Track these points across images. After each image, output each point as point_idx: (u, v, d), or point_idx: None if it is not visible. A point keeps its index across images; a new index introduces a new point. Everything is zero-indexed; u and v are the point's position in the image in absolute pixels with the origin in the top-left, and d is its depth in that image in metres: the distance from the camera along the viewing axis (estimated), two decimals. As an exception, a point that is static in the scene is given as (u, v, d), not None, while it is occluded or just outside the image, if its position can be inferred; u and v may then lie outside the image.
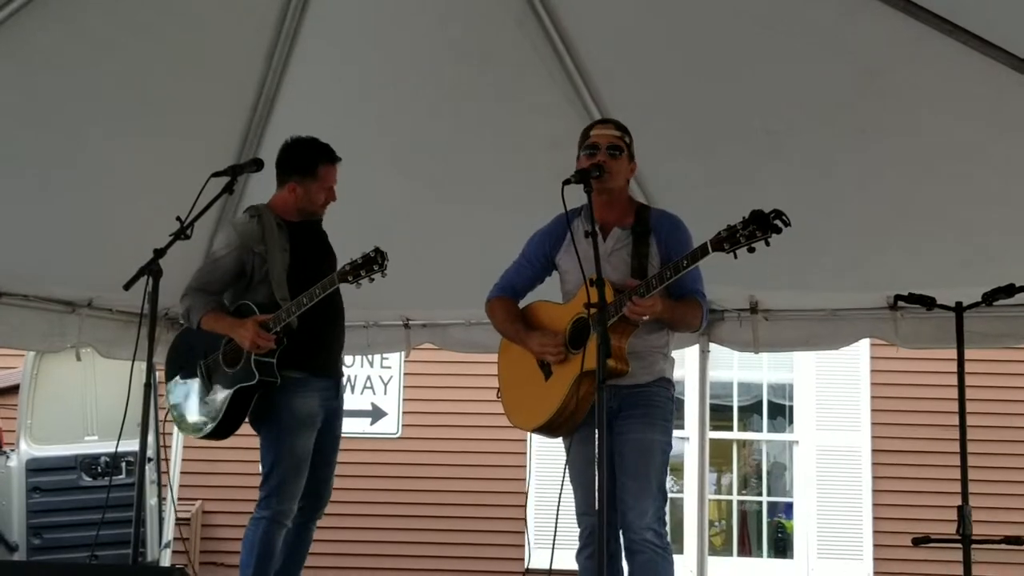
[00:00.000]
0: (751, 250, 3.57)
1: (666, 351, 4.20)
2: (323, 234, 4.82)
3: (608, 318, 3.77)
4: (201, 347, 4.76)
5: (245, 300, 4.59)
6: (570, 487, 4.10)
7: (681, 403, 8.89)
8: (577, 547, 4.08)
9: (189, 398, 4.82)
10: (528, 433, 9.27)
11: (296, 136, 4.75)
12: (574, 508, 4.09)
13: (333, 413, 4.71)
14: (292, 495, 4.53)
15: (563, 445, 4.19)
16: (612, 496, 3.92)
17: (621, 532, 3.99)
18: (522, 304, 4.44)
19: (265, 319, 4.45)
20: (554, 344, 4.07)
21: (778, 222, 3.49)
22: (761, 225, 3.51)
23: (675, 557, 4.04)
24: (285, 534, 4.60)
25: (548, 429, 4.12)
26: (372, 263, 4.31)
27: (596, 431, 3.43)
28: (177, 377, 4.91)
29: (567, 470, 4.13)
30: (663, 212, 4.27)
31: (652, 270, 4.01)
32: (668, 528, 4.08)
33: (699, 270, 4.01)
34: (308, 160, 4.65)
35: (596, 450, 3.41)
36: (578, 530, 4.07)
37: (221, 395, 4.62)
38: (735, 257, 3.61)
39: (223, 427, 4.66)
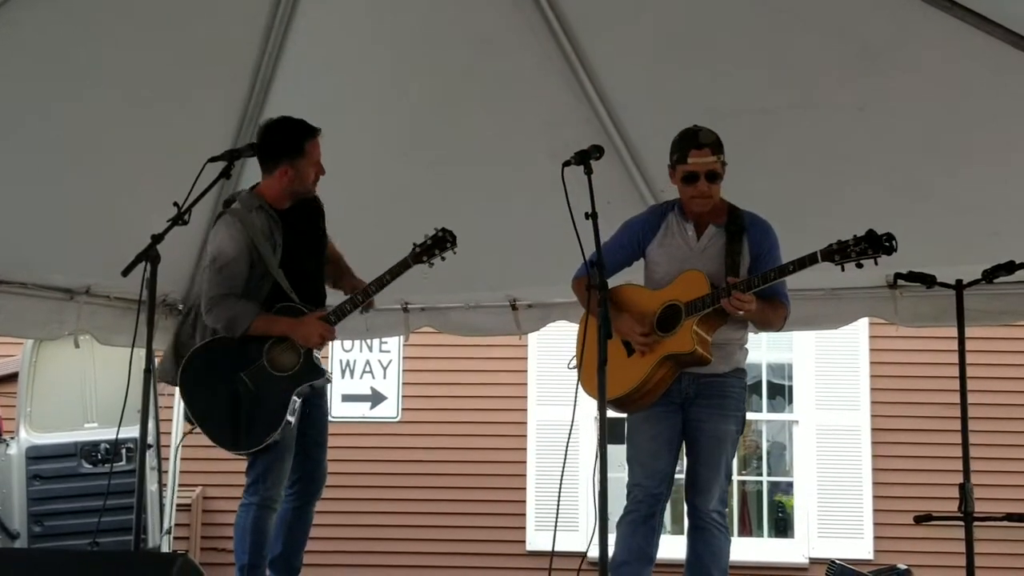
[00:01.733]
0: (859, 266, 3.87)
1: (743, 343, 4.46)
2: (315, 212, 4.74)
3: (702, 308, 4.12)
4: (227, 362, 4.55)
5: (280, 303, 4.56)
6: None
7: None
8: (620, 514, 4.37)
9: (233, 415, 4.57)
10: (527, 418, 9.39)
11: (270, 119, 4.64)
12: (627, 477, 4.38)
13: (316, 394, 4.69)
14: (278, 480, 4.56)
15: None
16: (672, 474, 4.35)
17: (688, 510, 4.36)
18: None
19: (325, 314, 4.50)
20: (642, 329, 4.27)
21: (888, 244, 3.80)
22: (874, 245, 3.82)
23: (675, 538, 4.19)
24: (284, 517, 4.63)
25: (620, 404, 4.32)
26: (443, 243, 4.40)
27: (598, 415, 3.61)
28: (205, 399, 4.64)
29: (626, 444, 4.39)
30: (754, 215, 4.44)
31: (743, 267, 4.29)
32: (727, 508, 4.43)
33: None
34: (293, 139, 4.52)
35: (598, 432, 3.50)
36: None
37: (281, 399, 4.49)
38: (842, 270, 3.90)
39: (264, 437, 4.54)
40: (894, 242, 3.79)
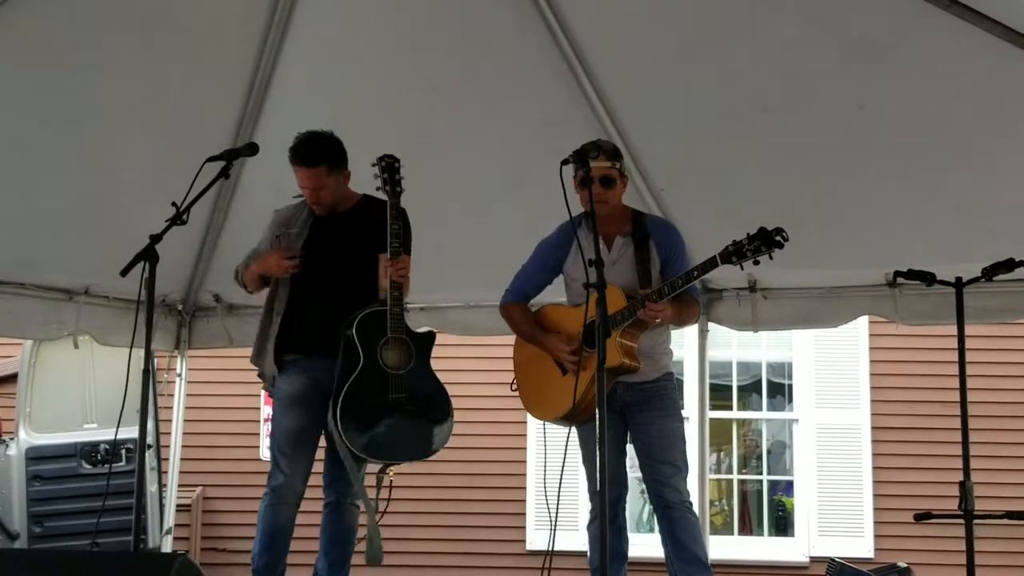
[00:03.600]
0: (756, 263, 4.05)
1: (668, 347, 4.65)
2: (346, 224, 4.72)
3: (622, 321, 4.28)
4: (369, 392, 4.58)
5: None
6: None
7: (681, 383, 8.85)
8: (587, 520, 4.58)
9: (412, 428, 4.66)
10: (528, 417, 9.37)
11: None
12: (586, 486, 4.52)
13: None
14: (281, 471, 4.58)
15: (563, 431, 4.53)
16: (624, 476, 4.59)
17: (658, 505, 4.53)
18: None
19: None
20: (570, 348, 4.46)
21: (779, 238, 3.95)
22: (765, 241, 3.97)
23: (644, 536, 4.29)
24: (325, 515, 4.70)
25: (567, 419, 4.49)
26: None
27: (598, 416, 3.59)
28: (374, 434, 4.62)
29: (582, 451, 4.52)
30: (656, 218, 4.72)
31: (654, 273, 4.48)
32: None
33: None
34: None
35: (597, 430, 3.58)
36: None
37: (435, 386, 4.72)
38: (741, 268, 4.11)
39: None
40: (784, 234, 3.94)
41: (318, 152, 4.56)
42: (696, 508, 4.62)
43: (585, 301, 3.86)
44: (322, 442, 4.67)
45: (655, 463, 4.50)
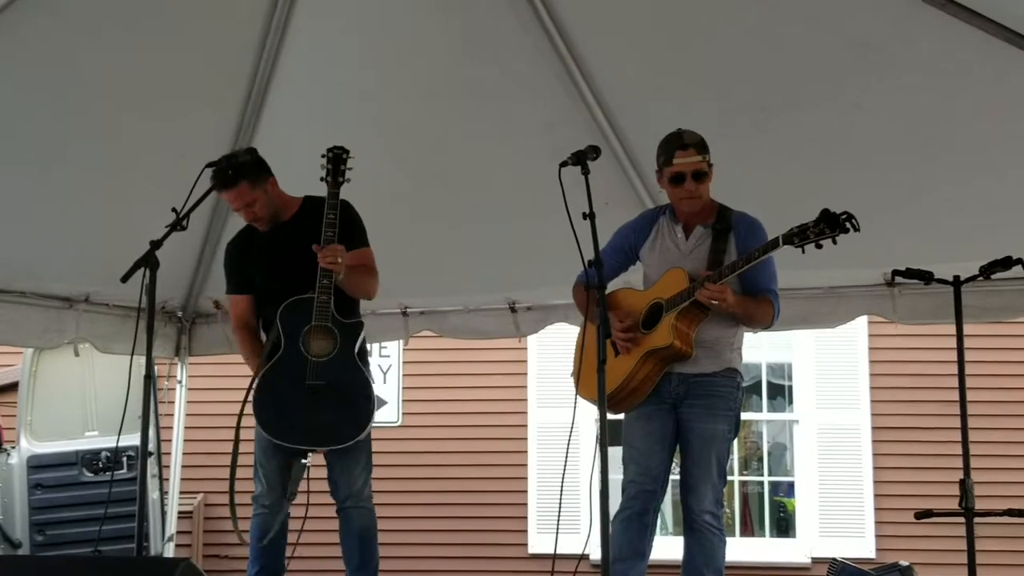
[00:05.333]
0: (819, 246, 3.87)
1: (735, 343, 4.44)
2: (292, 231, 4.66)
3: (680, 303, 4.18)
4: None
5: None
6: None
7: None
8: (614, 513, 4.36)
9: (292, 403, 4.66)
10: (528, 420, 9.38)
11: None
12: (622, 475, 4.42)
13: None
14: (259, 480, 4.62)
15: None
16: (666, 472, 4.40)
17: (683, 511, 4.37)
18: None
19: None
20: (623, 325, 4.36)
21: (848, 224, 3.79)
22: (831, 224, 3.81)
23: (675, 539, 4.39)
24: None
25: (609, 403, 4.26)
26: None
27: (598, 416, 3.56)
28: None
29: (623, 441, 4.41)
30: (743, 213, 4.46)
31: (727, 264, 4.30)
32: (724, 508, 4.45)
33: (774, 269, 4.34)
34: None
35: (598, 429, 3.60)
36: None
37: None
38: (803, 252, 3.93)
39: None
40: (854, 220, 3.80)
41: (233, 172, 4.49)
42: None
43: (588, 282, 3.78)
44: None
45: (687, 464, 4.35)
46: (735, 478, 9.83)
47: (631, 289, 4.63)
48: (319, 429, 4.49)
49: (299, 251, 4.47)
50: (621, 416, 4.49)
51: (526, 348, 9.14)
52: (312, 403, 4.45)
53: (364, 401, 4.56)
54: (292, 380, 4.47)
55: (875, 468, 9.26)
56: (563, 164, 3.92)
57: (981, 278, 5.07)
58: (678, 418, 4.36)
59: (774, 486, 9.86)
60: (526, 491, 9.36)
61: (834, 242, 3.84)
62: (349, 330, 4.54)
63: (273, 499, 4.60)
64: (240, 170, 4.49)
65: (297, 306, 4.50)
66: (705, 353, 4.29)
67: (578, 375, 4.55)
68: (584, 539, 4.33)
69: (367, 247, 4.66)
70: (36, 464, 8.31)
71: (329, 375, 4.47)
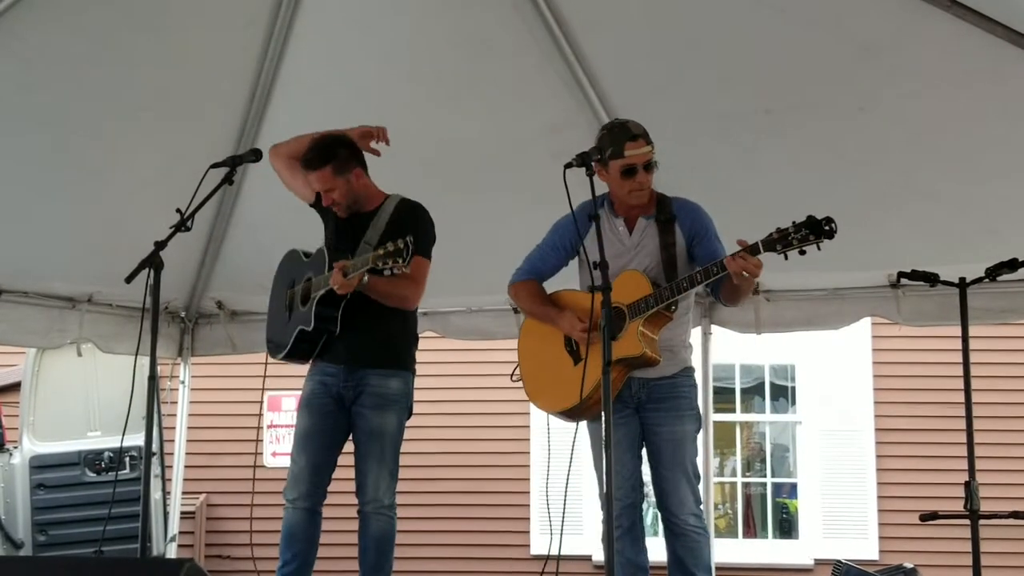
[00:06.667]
0: (802, 252, 3.72)
1: (686, 341, 4.38)
2: (365, 224, 4.65)
3: (646, 310, 4.03)
4: (295, 272, 4.71)
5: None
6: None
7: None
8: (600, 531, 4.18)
9: (274, 317, 4.81)
10: (530, 421, 9.37)
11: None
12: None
13: (357, 403, 4.57)
14: (293, 475, 4.56)
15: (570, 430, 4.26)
16: (640, 480, 4.27)
17: (662, 516, 4.25)
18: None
19: (346, 264, 4.32)
20: (584, 326, 4.16)
21: (828, 228, 3.68)
22: (814, 230, 3.68)
23: (656, 540, 4.30)
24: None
25: (573, 413, 4.25)
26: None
27: (603, 415, 3.50)
28: (272, 292, 4.87)
29: (593, 452, 4.26)
30: (682, 200, 4.34)
31: (679, 259, 4.20)
32: (703, 507, 4.32)
33: (716, 231, 4.23)
34: None
35: (603, 433, 3.49)
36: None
37: (289, 328, 4.61)
38: (785, 258, 3.78)
39: (292, 357, 4.66)
40: (833, 225, 3.69)
41: (320, 155, 4.53)
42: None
43: (593, 284, 3.66)
44: (349, 448, 4.61)
45: (661, 469, 4.22)
46: (738, 479, 9.83)
47: (574, 291, 4.44)
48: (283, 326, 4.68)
49: (358, 245, 4.52)
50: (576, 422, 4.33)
51: (529, 349, 9.13)
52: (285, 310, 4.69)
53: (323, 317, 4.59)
54: (279, 307, 4.72)
55: (879, 470, 9.26)
56: (567, 165, 3.85)
57: (987, 280, 5.05)
58: (642, 422, 4.25)
59: (777, 487, 9.86)
60: (529, 492, 9.36)
61: (818, 248, 3.72)
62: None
63: (300, 494, 4.52)
64: (327, 156, 4.52)
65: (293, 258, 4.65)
66: (663, 355, 4.16)
67: (537, 386, 4.45)
68: (590, 541, 4.27)
69: (420, 256, 4.54)
70: (39, 464, 8.33)
71: (303, 297, 4.60)
